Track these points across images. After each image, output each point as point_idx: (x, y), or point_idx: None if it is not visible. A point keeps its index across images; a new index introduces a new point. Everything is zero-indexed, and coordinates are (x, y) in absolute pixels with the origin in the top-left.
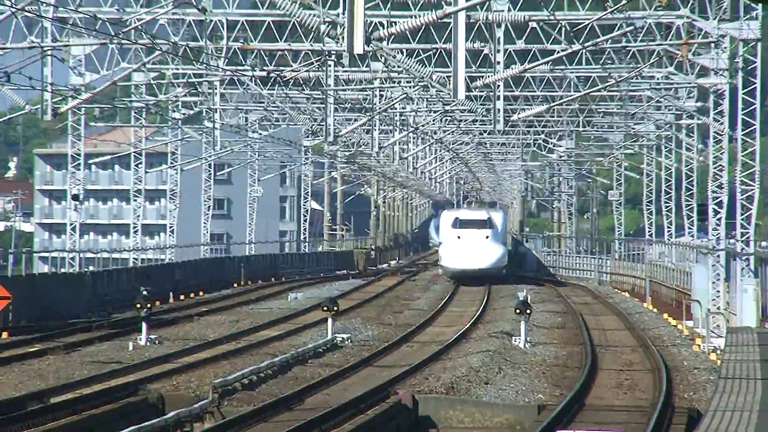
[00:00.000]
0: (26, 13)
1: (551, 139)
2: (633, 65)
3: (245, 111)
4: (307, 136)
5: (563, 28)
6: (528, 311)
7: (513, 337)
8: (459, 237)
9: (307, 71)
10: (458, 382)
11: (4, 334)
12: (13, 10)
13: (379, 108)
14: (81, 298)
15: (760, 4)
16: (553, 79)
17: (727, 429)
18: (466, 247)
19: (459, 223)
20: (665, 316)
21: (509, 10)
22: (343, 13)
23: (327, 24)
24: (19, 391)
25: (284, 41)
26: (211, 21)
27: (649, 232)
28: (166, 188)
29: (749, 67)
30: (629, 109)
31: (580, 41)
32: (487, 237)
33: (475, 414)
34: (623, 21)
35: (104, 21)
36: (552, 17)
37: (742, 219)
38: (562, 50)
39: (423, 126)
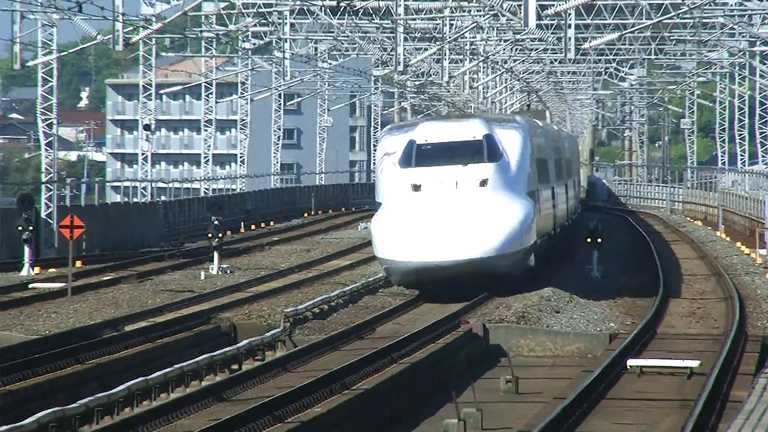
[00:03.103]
0: None
1: (623, 67)
2: None
3: (315, 41)
4: (377, 66)
5: None
6: (599, 240)
7: (585, 267)
8: (417, 189)
9: (377, 0)
10: (529, 311)
11: (78, 263)
12: None
13: (449, 37)
14: (153, 227)
15: None
16: (624, 7)
17: None
18: (431, 215)
19: (418, 156)
20: (738, 244)
21: None
22: None
23: None
24: (93, 319)
25: None
26: None
27: (721, 160)
28: (237, 118)
29: None
30: (702, 36)
31: None
32: (483, 184)
33: (546, 342)
34: None
35: None
36: None
37: None
38: None
39: (493, 55)
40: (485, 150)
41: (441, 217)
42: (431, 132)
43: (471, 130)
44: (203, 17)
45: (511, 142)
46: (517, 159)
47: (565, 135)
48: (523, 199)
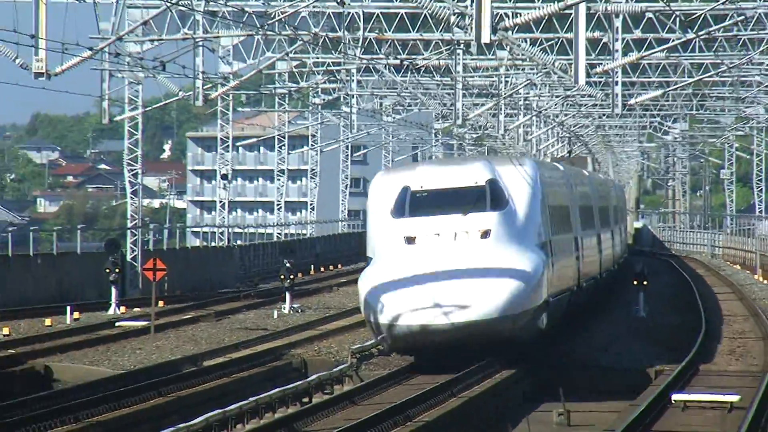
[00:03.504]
0: (180, 7)
1: (666, 121)
2: (743, 52)
3: (380, 96)
4: (438, 120)
5: (678, 18)
6: (644, 282)
7: (633, 306)
8: (411, 241)
9: (437, 59)
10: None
11: (161, 303)
12: (168, 4)
13: (505, 93)
14: (229, 269)
15: None
16: (668, 66)
17: None
18: (425, 271)
19: (412, 204)
20: None
21: (627, 1)
22: (472, 5)
23: (456, 15)
24: (174, 355)
25: (416, 31)
26: (349, 13)
27: (759, 208)
28: (307, 168)
29: None
30: (740, 93)
31: (694, 30)
32: (485, 235)
33: (596, 377)
34: (734, 11)
35: (251, 14)
36: (667, 8)
37: None
38: (677, 39)
39: (545, 110)
40: (488, 197)
41: (436, 273)
42: (428, 177)
43: (473, 175)
44: (277, 75)
45: (518, 187)
46: (525, 207)
47: (612, 183)
48: (532, 252)
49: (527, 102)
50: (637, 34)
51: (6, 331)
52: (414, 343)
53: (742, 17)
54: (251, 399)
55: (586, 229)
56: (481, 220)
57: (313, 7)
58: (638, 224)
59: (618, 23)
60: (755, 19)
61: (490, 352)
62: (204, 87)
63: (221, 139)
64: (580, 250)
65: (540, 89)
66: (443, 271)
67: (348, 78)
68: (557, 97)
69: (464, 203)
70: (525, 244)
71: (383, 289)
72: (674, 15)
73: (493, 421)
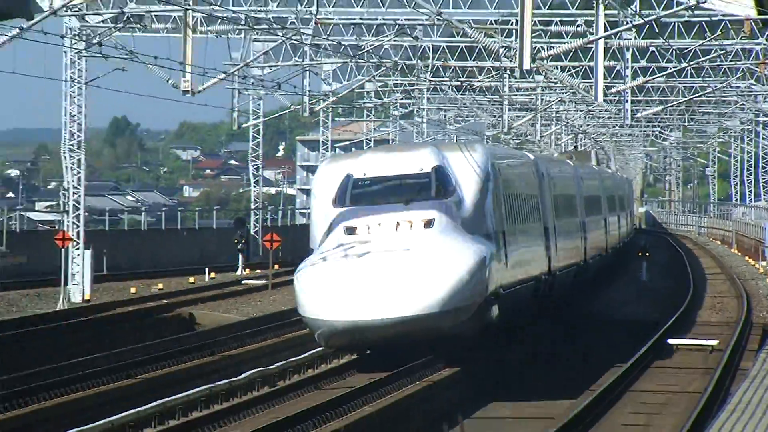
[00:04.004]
0: (292, 40)
1: (664, 131)
2: (724, 78)
3: (444, 109)
4: (488, 128)
5: (674, 51)
6: (647, 254)
7: (637, 273)
8: (351, 232)
9: (489, 81)
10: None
11: (276, 266)
12: (284, 38)
13: (541, 108)
14: None
15: None
16: (666, 88)
17: None
18: (363, 263)
19: (354, 192)
20: (746, 258)
21: (634, 38)
22: (516, 40)
23: (504, 48)
24: (285, 306)
25: (473, 60)
26: (421, 46)
27: (734, 198)
28: None
29: None
30: (721, 109)
31: (686, 60)
32: (428, 225)
33: (609, 328)
34: (717, 46)
35: (346, 46)
36: (666, 43)
37: None
38: (673, 67)
39: (572, 121)
40: (433, 185)
41: (375, 266)
42: (372, 164)
43: (418, 162)
44: (365, 92)
45: (467, 175)
46: (474, 196)
47: (620, 177)
48: (479, 244)
49: (558, 115)
50: (643, 63)
51: (160, 286)
52: (350, 340)
53: (724, 51)
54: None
55: (592, 215)
56: (425, 210)
57: (394, 40)
58: (643, 210)
59: (628, 55)
60: (733, 53)
61: (434, 349)
62: (310, 102)
63: (322, 141)
64: (585, 232)
65: (568, 105)
66: (382, 264)
67: (420, 95)
68: (580, 111)
69: (408, 191)
70: (472, 234)
71: (318, 283)
72: (671, 49)
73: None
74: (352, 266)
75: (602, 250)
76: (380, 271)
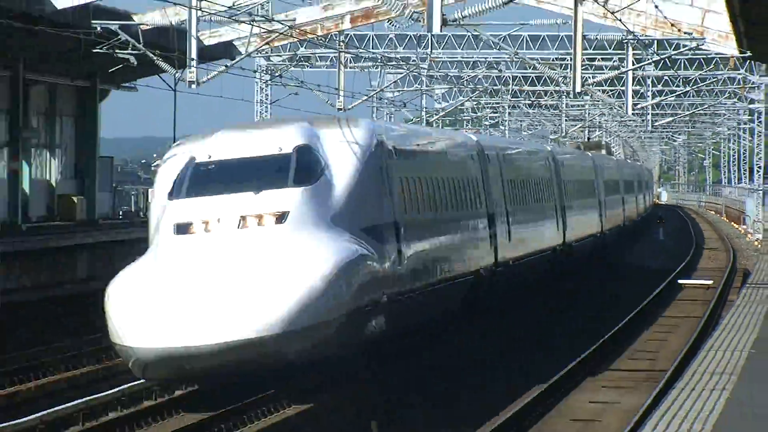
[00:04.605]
0: (413, 73)
1: (675, 135)
2: (716, 98)
3: (520, 121)
4: (552, 134)
5: (681, 79)
6: (663, 221)
7: (654, 234)
8: (184, 230)
9: (551, 101)
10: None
11: None
12: (408, 71)
13: (587, 119)
14: None
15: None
16: (676, 104)
17: (763, 278)
18: (190, 272)
19: (194, 180)
20: (733, 223)
21: (653, 70)
22: (570, 72)
23: (562, 77)
24: None
25: (540, 85)
26: (504, 76)
27: (723, 182)
28: None
29: None
30: (714, 119)
31: (690, 85)
32: (281, 219)
33: (634, 272)
34: (711, 75)
35: (451, 76)
36: (675, 73)
37: None
38: (680, 90)
39: (610, 128)
40: (292, 168)
41: (200, 275)
42: (222, 145)
43: (279, 140)
44: (465, 109)
45: (345, 154)
46: (351, 179)
47: (640, 167)
48: (350, 242)
49: (599, 123)
50: (659, 87)
51: None
52: (170, 371)
53: (715, 79)
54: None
55: (611, 195)
56: (278, 200)
57: (485, 72)
58: (659, 191)
59: (649, 81)
60: (723, 80)
61: (284, 380)
62: (426, 116)
63: None
64: (565, 217)
65: (607, 117)
66: (210, 273)
67: (503, 111)
68: (615, 121)
69: (260, 177)
70: (343, 229)
71: (126, 299)
72: (679, 77)
73: None
74: (170, 277)
75: (620, 222)
76: (207, 283)
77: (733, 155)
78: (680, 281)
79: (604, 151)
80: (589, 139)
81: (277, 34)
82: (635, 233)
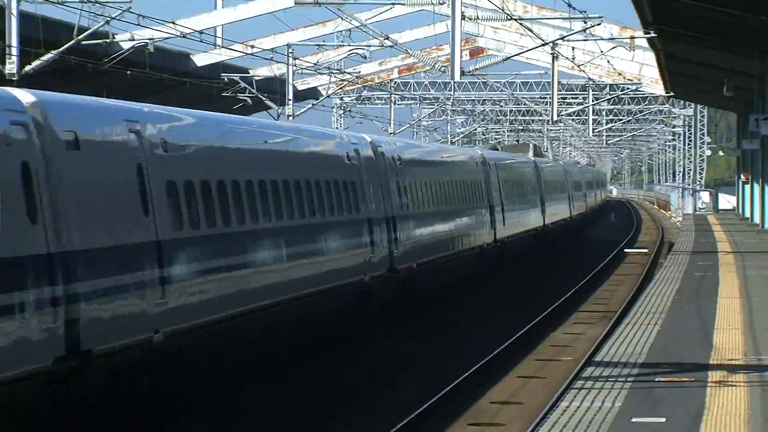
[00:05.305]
0: (442, 107)
1: (622, 148)
2: (651, 123)
3: (516, 140)
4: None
5: (627, 110)
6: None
7: (609, 217)
8: None
9: (536, 125)
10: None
11: None
12: (438, 107)
13: (561, 138)
14: None
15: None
16: (623, 129)
17: (682, 247)
18: None
19: None
20: (661, 210)
21: (607, 103)
22: (549, 106)
23: (544, 110)
24: None
25: (528, 115)
26: (503, 109)
27: (656, 181)
28: None
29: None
30: (649, 138)
31: (633, 115)
32: None
33: (594, 245)
34: (646, 107)
35: (467, 108)
36: (622, 106)
37: (690, 179)
38: (626, 120)
39: (577, 145)
40: None
41: None
42: None
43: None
44: (478, 132)
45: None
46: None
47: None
48: None
49: (570, 142)
50: (611, 117)
51: None
52: None
53: (650, 110)
54: None
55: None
56: None
57: (490, 107)
58: (611, 188)
59: (603, 113)
60: (656, 110)
61: None
62: (452, 138)
63: None
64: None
65: (575, 137)
66: None
67: (503, 133)
68: (580, 140)
69: None
70: None
71: None
72: (624, 109)
73: None
74: None
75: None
76: None
77: (661, 164)
78: (626, 250)
79: (531, 153)
80: (518, 141)
81: (347, 82)
82: (594, 217)
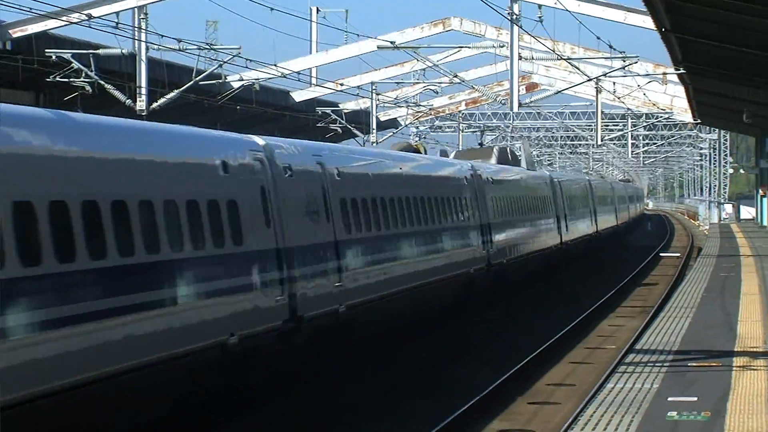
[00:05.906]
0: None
1: (657, 168)
2: (683, 146)
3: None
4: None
5: (660, 136)
6: (650, 218)
7: (645, 226)
8: None
9: (584, 149)
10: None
11: None
12: (483, 129)
13: (605, 161)
14: None
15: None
16: (657, 151)
17: (709, 252)
18: None
19: None
20: (691, 220)
21: (643, 130)
22: (594, 133)
23: (590, 135)
24: None
25: (577, 140)
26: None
27: (686, 195)
28: None
29: (715, 146)
30: (681, 158)
31: (666, 139)
32: None
33: (631, 250)
34: (678, 132)
35: (513, 128)
36: (656, 133)
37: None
38: (660, 143)
39: (618, 165)
40: None
41: None
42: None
43: None
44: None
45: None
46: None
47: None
48: None
49: (612, 162)
50: (647, 141)
51: None
52: None
53: (681, 134)
54: None
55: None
56: None
57: (544, 133)
58: (647, 201)
59: (640, 137)
60: (687, 135)
61: None
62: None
63: None
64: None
65: (616, 158)
66: None
67: (555, 155)
68: (621, 161)
69: None
70: None
71: None
72: (658, 134)
73: None
74: None
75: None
76: None
77: (691, 180)
78: (662, 254)
79: (493, 159)
80: (481, 144)
81: (422, 113)
82: (634, 225)
